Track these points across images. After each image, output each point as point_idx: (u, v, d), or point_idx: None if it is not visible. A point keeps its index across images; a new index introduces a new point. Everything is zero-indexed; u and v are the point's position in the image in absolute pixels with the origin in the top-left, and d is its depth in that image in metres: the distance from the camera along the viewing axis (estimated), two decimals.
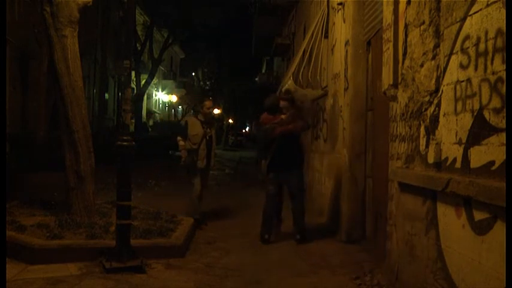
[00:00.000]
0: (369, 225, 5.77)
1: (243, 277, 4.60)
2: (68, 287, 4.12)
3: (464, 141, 2.90)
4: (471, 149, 2.81)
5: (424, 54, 3.56)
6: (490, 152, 2.61)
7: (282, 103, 6.20)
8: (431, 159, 3.38)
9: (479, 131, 2.72)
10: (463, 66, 2.96)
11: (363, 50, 6.03)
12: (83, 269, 4.51)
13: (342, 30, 6.56)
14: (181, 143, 6.85)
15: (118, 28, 23.57)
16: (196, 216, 6.62)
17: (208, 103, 7.16)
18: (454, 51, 3.08)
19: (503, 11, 2.49)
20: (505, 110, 2.47)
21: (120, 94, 23.68)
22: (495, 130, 2.56)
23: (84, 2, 5.99)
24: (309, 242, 5.98)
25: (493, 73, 2.60)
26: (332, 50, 7.27)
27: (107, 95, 24.67)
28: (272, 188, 6.14)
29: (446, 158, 3.14)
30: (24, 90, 15.32)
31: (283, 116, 6.11)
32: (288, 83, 8.60)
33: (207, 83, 41.56)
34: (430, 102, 3.43)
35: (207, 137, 6.87)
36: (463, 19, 2.96)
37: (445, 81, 3.22)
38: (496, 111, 2.56)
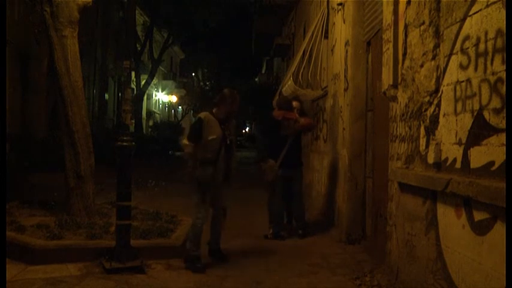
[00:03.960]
0: (369, 225, 5.77)
1: (243, 277, 4.59)
2: (68, 287, 4.12)
3: (464, 141, 2.90)
4: (471, 149, 2.81)
5: (424, 54, 3.56)
6: (490, 152, 2.61)
7: (296, 103, 6.62)
8: (431, 160, 3.37)
9: (479, 131, 2.72)
10: (462, 67, 2.96)
11: (363, 50, 6.03)
12: (82, 270, 4.51)
13: (342, 30, 6.56)
14: (188, 149, 4.85)
15: (118, 28, 23.58)
16: (195, 253, 4.82)
17: (237, 95, 5.11)
18: (454, 52, 3.08)
19: (503, 12, 2.49)
20: (505, 110, 2.47)
21: (120, 94, 23.69)
22: (495, 130, 2.56)
23: (84, 2, 6.00)
24: (310, 238, 6.17)
25: (493, 73, 2.60)
26: (332, 50, 7.26)
27: (106, 95, 24.69)
28: (281, 185, 6.31)
29: (446, 159, 3.14)
30: (24, 90, 15.33)
31: (296, 116, 6.44)
32: (288, 83, 8.60)
33: (207, 83, 41.55)
34: (430, 103, 3.43)
35: (228, 142, 4.95)
36: (463, 19, 2.96)
37: (445, 82, 3.22)
38: (496, 111, 2.56)
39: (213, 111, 4.98)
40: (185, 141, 4.88)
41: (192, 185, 4.89)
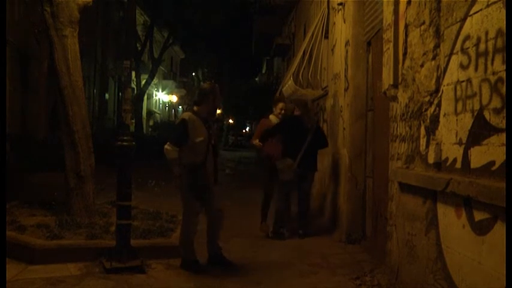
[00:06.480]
0: (369, 225, 5.77)
1: (243, 277, 4.60)
2: (68, 287, 4.12)
3: (464, 141, 2.90)
4: (471, 149, 2.81)
5: (424, 54, 3.56)
6: (490, 152, 2.61)
7: (283, 105, 6.58)
8: (431, 160, 3.37)
9: (480, 131, 2.72)
10: (463, 67, 2.96)
11: (363, 50, 6.03)
12: (83, 269, 4.51)
13: (342, 30, 6.56)
14: (172, 154, 4.55)
15: (118, 28, 23.59)
16: (192, 258, 4.71)
17: (218, 89, 4.82)
18: (454, 52, 3.08)
19: (504, 11, 2.49)
20: (505, 110, 2.47)
21: (120, 94, 23.70)
22: (495, 130, 2.56)
23: (84, 2, 6.00)
24: (310, 238, 6.16)
25: (493, 73, 2.60)
26: (332, 50, 7.26)
27: (107, 95, 24.70)
28: (292, 184, 6.28)
29: (447, 158, 3.14)
30: (24, 90, 15.34)
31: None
32: (288, 83, 8.60)
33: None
34: (430, 103, 3.43)
35: (213, 142, 4.74)
36: (463, 19, 2.96)
37: (445, 82, 3.22)
38: (496, 111, 2.56)
39: (195, 110, 4.70)
40: (167, 147, 4.54)
41: (181, 193, 4.67)
